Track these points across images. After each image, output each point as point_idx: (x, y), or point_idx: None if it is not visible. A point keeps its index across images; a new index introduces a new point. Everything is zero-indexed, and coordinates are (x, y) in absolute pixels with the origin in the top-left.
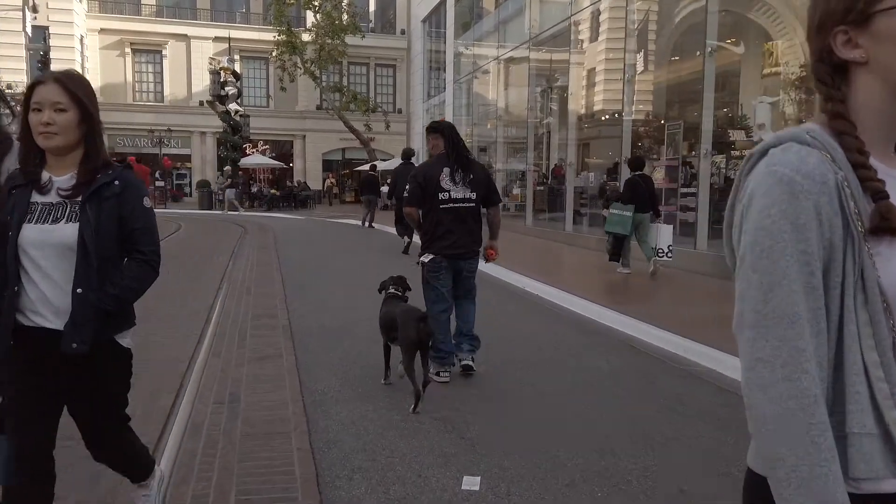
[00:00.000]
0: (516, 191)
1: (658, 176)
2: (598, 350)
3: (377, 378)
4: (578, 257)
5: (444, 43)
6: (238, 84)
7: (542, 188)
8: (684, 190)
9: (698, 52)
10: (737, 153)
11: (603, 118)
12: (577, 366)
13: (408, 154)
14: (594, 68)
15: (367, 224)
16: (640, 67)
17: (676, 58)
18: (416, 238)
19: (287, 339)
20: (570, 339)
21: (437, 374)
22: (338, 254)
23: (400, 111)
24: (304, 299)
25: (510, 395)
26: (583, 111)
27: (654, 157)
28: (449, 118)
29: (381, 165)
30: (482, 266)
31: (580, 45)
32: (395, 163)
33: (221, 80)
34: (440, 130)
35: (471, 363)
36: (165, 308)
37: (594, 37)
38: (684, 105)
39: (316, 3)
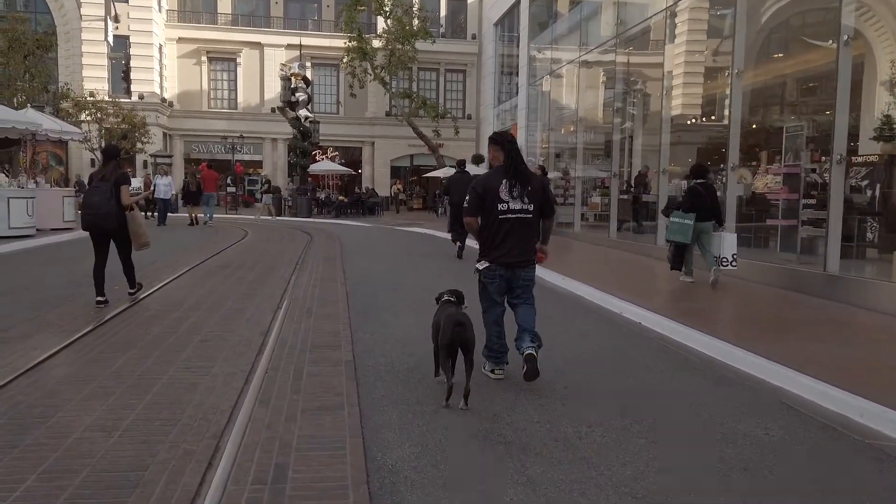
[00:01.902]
0: (596, 199)
1: (761, 185)
2: (746, 410)
3: (464, 451)
4: (678, 276)
5: (517, 46)
6: (308, 90)
7: (626, 197)
8: (805, 201)
9: (831, 41)
10: (860, 159)
11: (688, 122)
12: (725, 436)
13: (462, 163)
14: (687, 68)
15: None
16: (747, 65)
17: (780, 54)
18: (469, 242)
19: (350, 381)
20: (703, 393)
21: (492, 371)
22: (407, 266)
23: (469, 117)
24: (370, 325)
25: (645, 484)
26: (676, 113)
27: (752, 163)
28: (522, 123)
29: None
30: (560, 283)
31: (671, 42)
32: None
33: (292, 85)
34: (500, 143)
35: (534, 353)
36: (217, 329)
37: (686, 34)
38: (802, 106)
39: (387, 9)
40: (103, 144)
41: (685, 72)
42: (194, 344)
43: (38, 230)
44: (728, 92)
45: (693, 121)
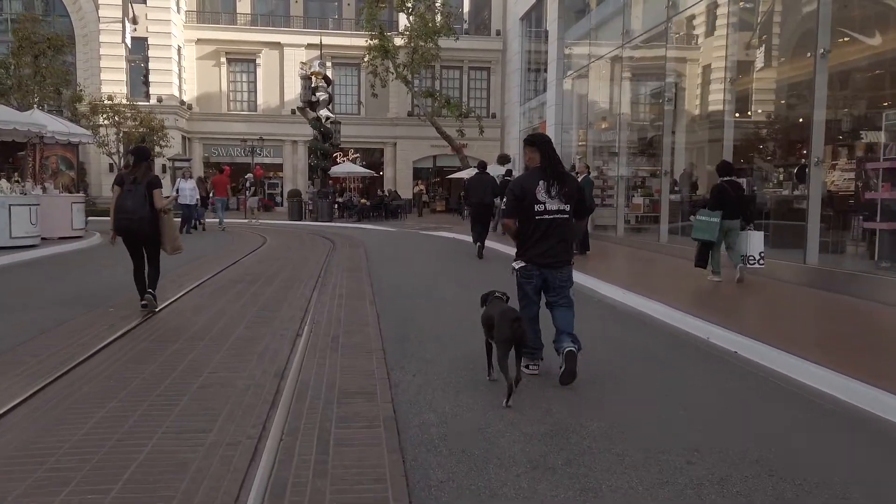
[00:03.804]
0: (637, 200)
1: (832, 180)
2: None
3: None
4: (759, 289)
5: (545, 42)
6: (329, 89)
7: (675, 197)
8: None
9: None
10: None
11: (758, 113)
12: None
13: (482, 164)
14: (752, 54)
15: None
16: (834, 43)
17: (877, 27)
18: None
19: (394, 455)
20: (864, 459)
21: (527, 366)
22: (441, 277)
23: (494, 115)
24: (410, 360)
25: None
26: (738, 106)
27: (818, 159)
28: (551, 121)
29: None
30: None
31: (732, 25)
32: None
33: (312, 84)
34: (536, 144)
35: (574, 351)
36: (222, 369)
37: (750, 14)
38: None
39: (409, 5)
40: (121, 149)
41: (749, 59)
42: (192, 393)
43: (43, 239)
44: (812, 75)
45: (740, 113)
